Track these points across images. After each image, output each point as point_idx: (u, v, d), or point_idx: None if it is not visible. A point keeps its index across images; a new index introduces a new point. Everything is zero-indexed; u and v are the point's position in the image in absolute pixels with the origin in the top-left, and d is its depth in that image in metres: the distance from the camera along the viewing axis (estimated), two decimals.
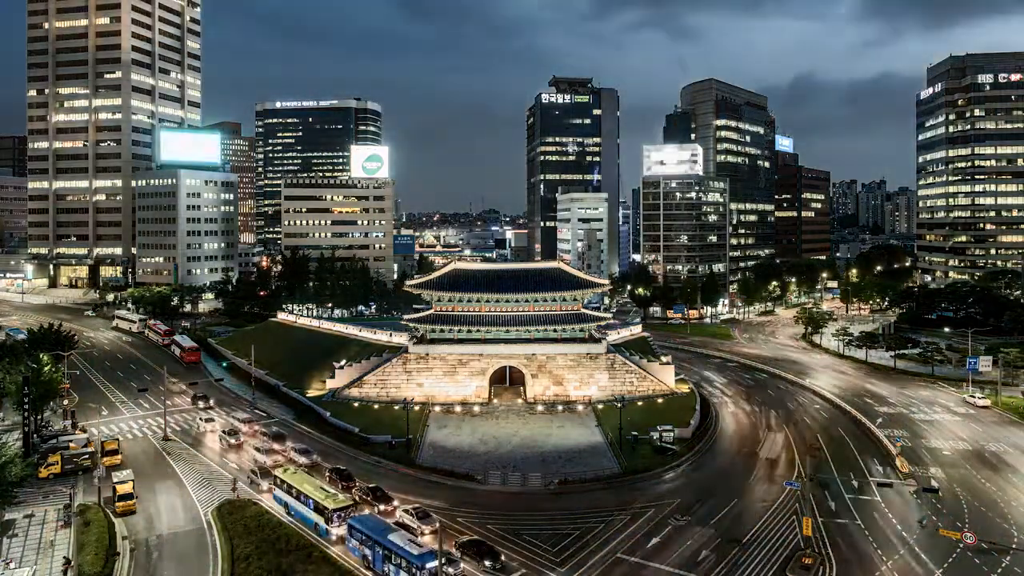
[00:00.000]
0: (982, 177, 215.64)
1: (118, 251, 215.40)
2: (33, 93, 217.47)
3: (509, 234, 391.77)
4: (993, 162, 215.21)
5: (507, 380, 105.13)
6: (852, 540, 60.65)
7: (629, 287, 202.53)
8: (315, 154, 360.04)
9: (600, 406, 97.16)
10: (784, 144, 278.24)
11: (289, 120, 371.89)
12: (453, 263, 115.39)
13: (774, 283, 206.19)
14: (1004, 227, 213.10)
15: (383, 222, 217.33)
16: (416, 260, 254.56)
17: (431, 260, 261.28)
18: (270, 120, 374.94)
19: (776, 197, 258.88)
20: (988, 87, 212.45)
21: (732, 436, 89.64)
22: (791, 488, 67.68)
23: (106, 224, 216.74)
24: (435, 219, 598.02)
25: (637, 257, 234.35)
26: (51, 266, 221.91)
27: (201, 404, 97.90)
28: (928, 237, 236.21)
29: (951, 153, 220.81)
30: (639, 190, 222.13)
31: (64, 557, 54.43)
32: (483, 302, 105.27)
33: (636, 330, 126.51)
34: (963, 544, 57.14)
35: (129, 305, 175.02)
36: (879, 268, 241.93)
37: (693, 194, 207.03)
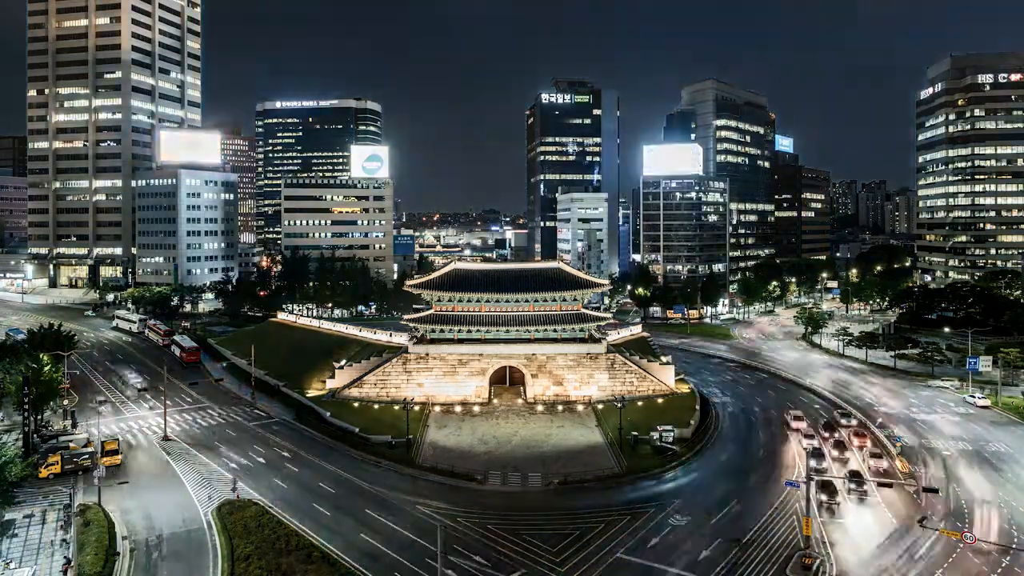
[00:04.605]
0: (982, 177, 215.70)
1: (118, 251, 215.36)
2: (33, 93, 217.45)
3: (509, 234, 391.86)
4: (993, 162, 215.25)
5: (507, 380, 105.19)
6: (852, 540, 60.66)
7: (629, 287, 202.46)
8: (315, 154, 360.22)
9: (600, 406, 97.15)
10: (784, 144, 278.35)
11: (289, 120, 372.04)
12: (453, 263, 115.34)
13: (774, 283, 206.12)
14: (1004, 227, 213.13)
15: (383, 222, 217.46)
16: (416, 260, 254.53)
17: (431, 260, 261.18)
18: (270, 120, 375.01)
19: (776, 197, 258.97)
20: (988, 87, 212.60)
21: (732, 436, 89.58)
22: (791, 488, 67.70)
23: (106, 224, 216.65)
24: (435, 219, 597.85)
25: (637, 257, 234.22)
26: (51, 266, 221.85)
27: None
28: (928, 237, 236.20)
29: (951, 153, 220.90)
30: (639, 190, 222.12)
31: (64, 557, 54.42)
32: (483, 302, 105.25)
33: (636, 330, 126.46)
34: (963, 544, 57.13)
35: (129, 305, 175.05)
36: (879, 268, 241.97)
37: (693, 194, 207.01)
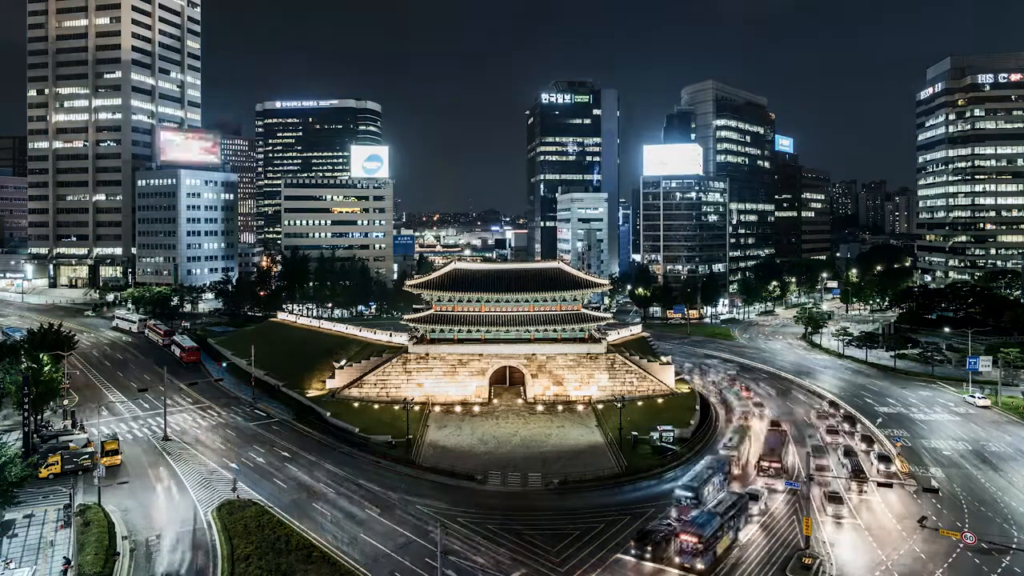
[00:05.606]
0: (982, 177, 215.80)
1: (118, 251, 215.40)
2: (33, 93, 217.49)
3: (509, 234, 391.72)
4: (993, 162, 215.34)
5: (507, 380, 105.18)
6: (852, 540, 60.64)
7: (629, 287, 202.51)
8: (315, 154, 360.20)
9: (600, 406, 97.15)
10: (784, 144, 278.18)
11: (289, 120, 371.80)
12: (453, 263, 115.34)
13: (774, 283, 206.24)
14: (1004, 227, 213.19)
15: (383, 222, 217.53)
16: (416, 260, 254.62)
17: (431, 260, 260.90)
18: (270, 120, 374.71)
19: (776, 197, 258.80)
20: (988, 87, 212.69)
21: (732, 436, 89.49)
22: (791, 488, 67.69)
23: (106, 224, 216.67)
24: (435, 219, 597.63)
25: (637, 257, 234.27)
26: (51, 266, 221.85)
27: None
28: (928, 237, 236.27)
29: (951, 153, 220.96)
30: (639, 190, 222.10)
31: (64, 557, 54.43)
32: (483, 302, 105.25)
33: (636, 330, 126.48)
34: (963, 544, 57.16)
35: (129, 305, 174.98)
36: (879, 268, 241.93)
37: (693, 194, 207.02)
